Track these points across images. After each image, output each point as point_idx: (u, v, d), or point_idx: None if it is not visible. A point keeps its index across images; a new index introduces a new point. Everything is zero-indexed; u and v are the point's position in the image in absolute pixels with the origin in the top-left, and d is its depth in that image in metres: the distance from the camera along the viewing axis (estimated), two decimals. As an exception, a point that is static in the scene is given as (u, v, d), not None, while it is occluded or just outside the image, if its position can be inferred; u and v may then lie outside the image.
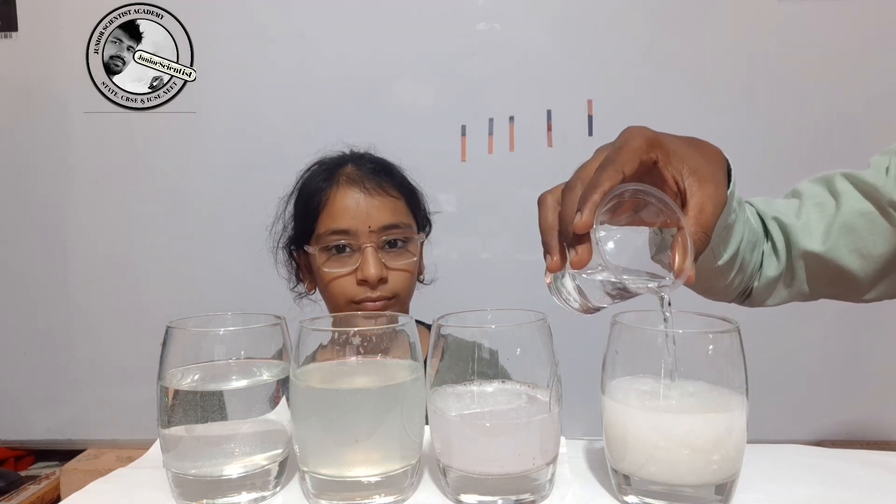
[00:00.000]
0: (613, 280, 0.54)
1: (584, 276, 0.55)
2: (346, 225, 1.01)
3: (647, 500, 0.53)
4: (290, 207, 1.12)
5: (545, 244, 0.55)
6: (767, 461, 0.63)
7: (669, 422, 0.52)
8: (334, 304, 1.04)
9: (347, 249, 1.02)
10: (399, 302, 1.05)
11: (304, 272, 1.12)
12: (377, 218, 1.02)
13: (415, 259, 1.07)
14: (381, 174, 1.07)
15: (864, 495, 0.56)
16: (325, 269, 1.02)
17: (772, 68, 1.45)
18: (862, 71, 1.44)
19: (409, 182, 1.11)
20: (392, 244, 1.04)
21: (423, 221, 1.12)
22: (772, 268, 0.81)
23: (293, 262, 1.13)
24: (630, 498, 0.54)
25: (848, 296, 0.82)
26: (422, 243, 1.10)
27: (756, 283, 0.82)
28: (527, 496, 0.54)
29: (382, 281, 1.01)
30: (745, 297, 0.84)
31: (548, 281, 0.58)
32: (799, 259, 0.79)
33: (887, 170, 0.76)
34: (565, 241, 0.53)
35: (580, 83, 1.48)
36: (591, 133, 1.48)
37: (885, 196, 0.75)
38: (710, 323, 0.55)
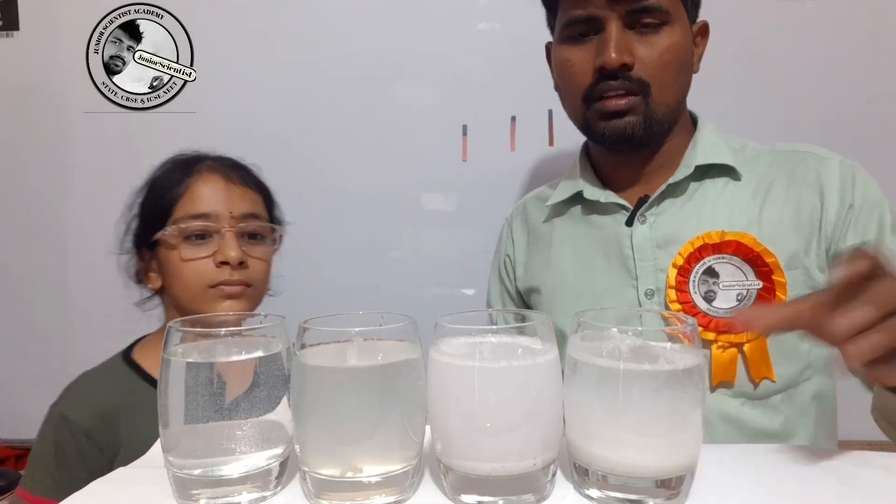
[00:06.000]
0: None
1: None
2: (206, 209, 1.00)
3: (609, 492, 0.54)
4: (136, 207, 1.09)
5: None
6: (765, 461, 0.63)
7: (625, 411, 0.53)
8: (189, 293, 1.01)
9: (205, 236, 1.00)
10: (254, 292, 1.04)
11: (147, 271, 1.07)
12: (239, 205, 1.02)
13: (272, 251, 1.07)
14: (240, 167, 1.08)
15: (864, 495, 0.56)
16: (183, 254, 1.00)
17: (772, 68, 1.45)
18: (862, 71, 1.44)
19: (265, 184, 1.11)
20: (251, 236, 1.04)
21: (276, 224, 1.11)
22: None
23: (139, 260, 1.08)
24: (592, 492, 0.55)
25: None
26: (275, 249, 1.09)
27: None
28: (527, 496, 0.54)
29: (242, 265, 1.00)
30: None
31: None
32: None
33: None
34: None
35: (580, 83, 1.48)
36: (591, 133, 1.48)
37: None
38: (669, 319, 0.58)
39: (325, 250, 1.49)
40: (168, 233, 1.00)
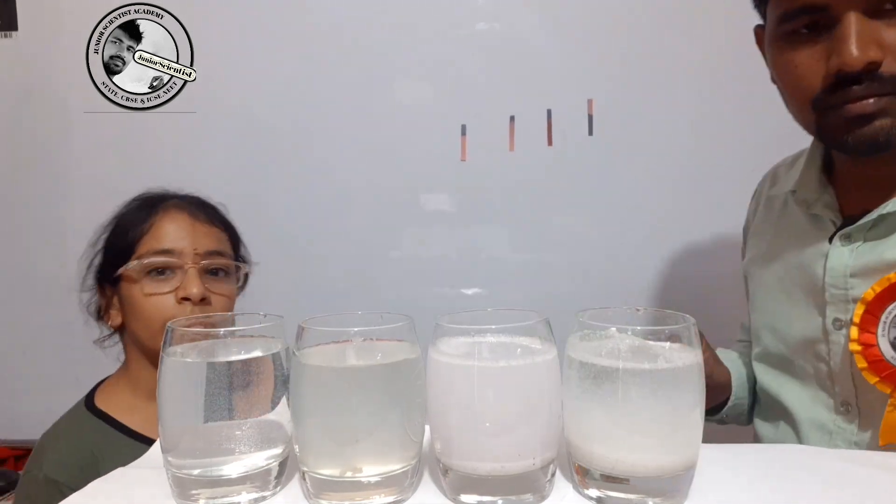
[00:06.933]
0: None
1: None
2: (170, 245, 1.00)
3: (608, 492, 0.54)
4: (100, 243, 1.08)
5: None
6: (765, 461, 0.63)
7: (624, 410, 0.53)
8: (149, 329, 0.99)
9: (168, 272, 1.00)
10: None
11: (108, 307, 1.07)
12: (203, 242, 1.02)
13: (235, 288, 1.07)
14: (206, 206, 1.08)
15: (864, 495, 0.56)
16: (145, 289, 0.99)
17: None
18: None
19: (231, 222, 1.11)
20: (214, 272, 1.03)
21: (241, 262, 1.11)
22: None
23: (100, 297, 1.08)
24: (591, 491, 0.55)
25: None
26: (239, 287, 1.09)
27: None
28: (527, 496, 0.54)
29: (204, 301, 0.98)
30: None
31: None
32: None
33: None
34: None
35: (580, 83, 1.48)
36: (591, 133, 1.47)
37: None
38: (668, 317, 0.57)
39: (324, 250, 1.50)
40: (131, 267, 0.99)
